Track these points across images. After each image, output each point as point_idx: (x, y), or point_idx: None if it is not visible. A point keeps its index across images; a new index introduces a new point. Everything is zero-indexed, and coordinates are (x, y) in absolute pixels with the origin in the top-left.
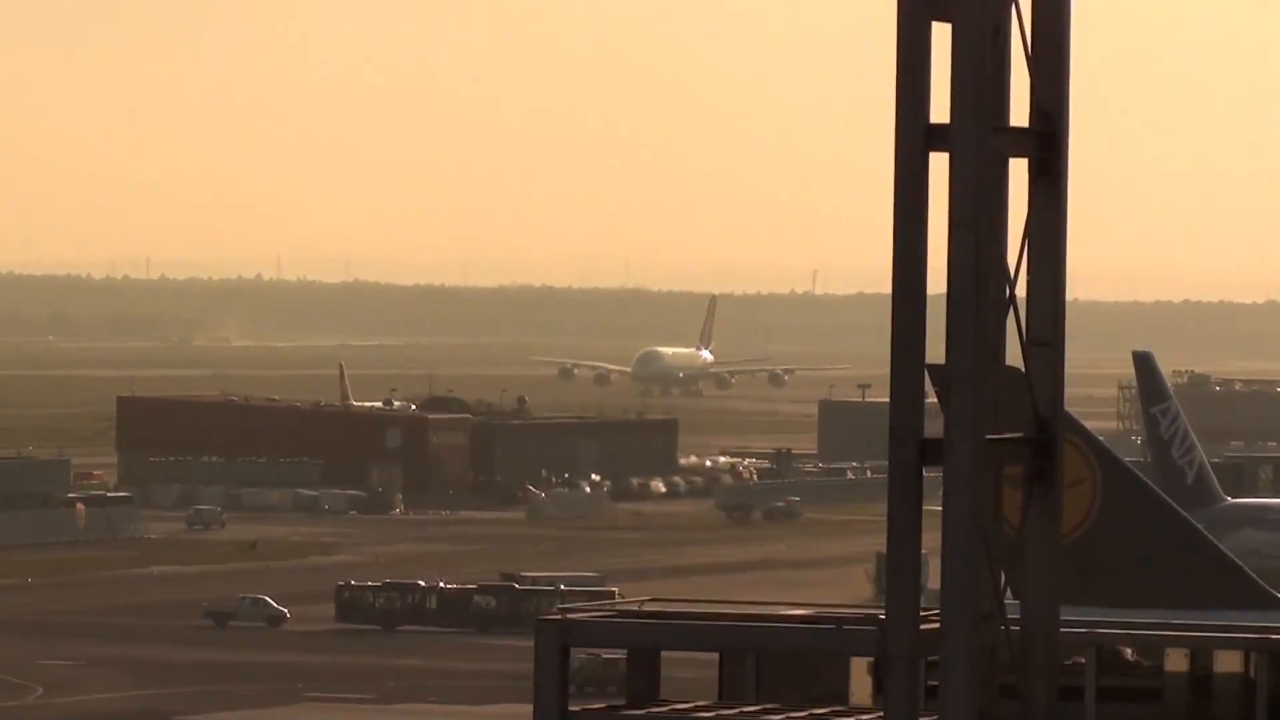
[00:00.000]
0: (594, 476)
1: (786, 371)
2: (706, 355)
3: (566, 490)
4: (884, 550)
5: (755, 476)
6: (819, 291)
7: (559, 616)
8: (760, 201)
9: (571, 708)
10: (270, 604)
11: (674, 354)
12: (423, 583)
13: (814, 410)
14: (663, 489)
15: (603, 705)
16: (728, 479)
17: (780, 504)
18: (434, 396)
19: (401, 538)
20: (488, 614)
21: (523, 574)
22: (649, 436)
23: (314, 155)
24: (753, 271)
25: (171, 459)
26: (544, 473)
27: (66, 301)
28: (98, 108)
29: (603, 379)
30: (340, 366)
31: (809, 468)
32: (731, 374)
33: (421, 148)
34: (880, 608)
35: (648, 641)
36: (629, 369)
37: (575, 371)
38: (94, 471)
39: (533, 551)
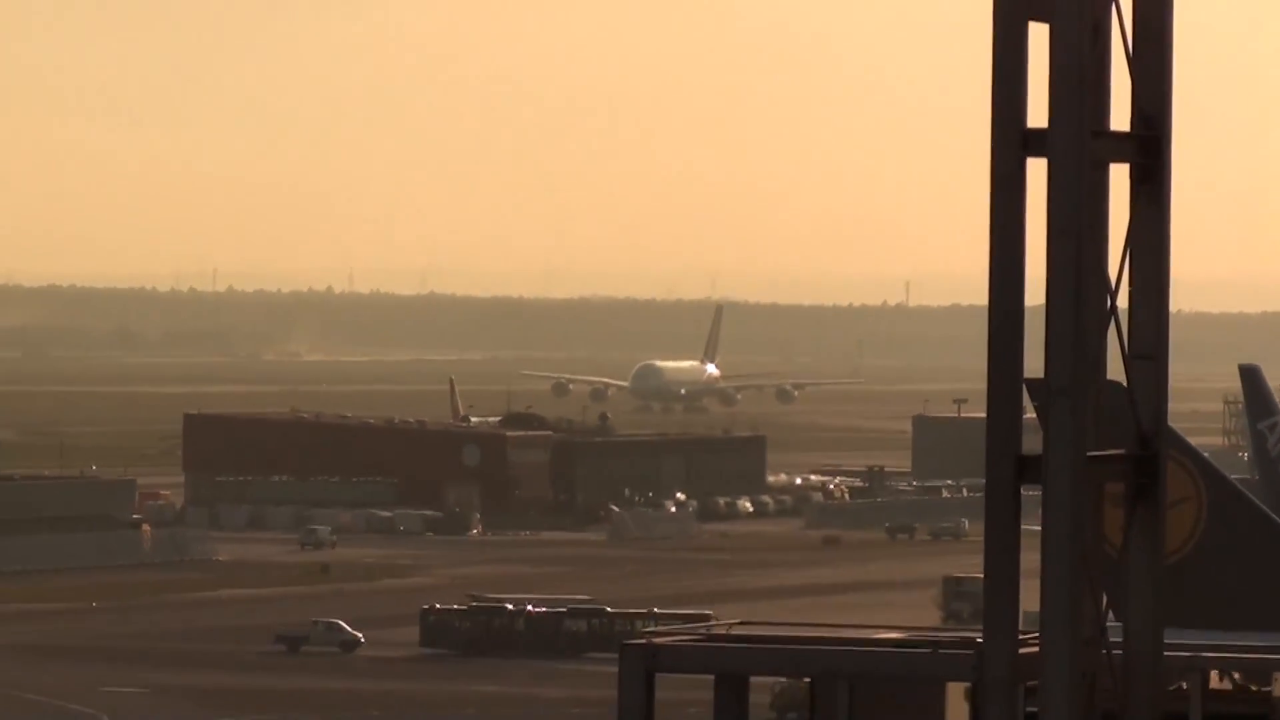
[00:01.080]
0: (679, 495)
1: (796, 386)
2: (711, 369)
3: (650, 510)
4: (949, 575)
5: (847, 495)
6: (912, 303)
7: (644, 641)
8: (852, 211)
9: None
10: (344, 628)
11: (675, 368)
12: (510, 606)
13: (908, 426)
14: (750, 508)
15: None
16: (818, 498)
17: (948, 524)
18: (513, 413)
19: (479, 560)
20: (578, 638)
21: (488, 595)
22: (736, 454)
23: (389, 164)
24: (845, 283)
25: (240, 478)
26: (627, 492)
27: (131, 315)
28: (164, 117)
29: (599, 394)
30: (451, 381)
31: (902, 486)
32: (737, 389)
33: (500, 157)
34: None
35: (736, 667)
36: (627, 384)
37: (570, 387)
38: (160, 491)
39: (616, 574)
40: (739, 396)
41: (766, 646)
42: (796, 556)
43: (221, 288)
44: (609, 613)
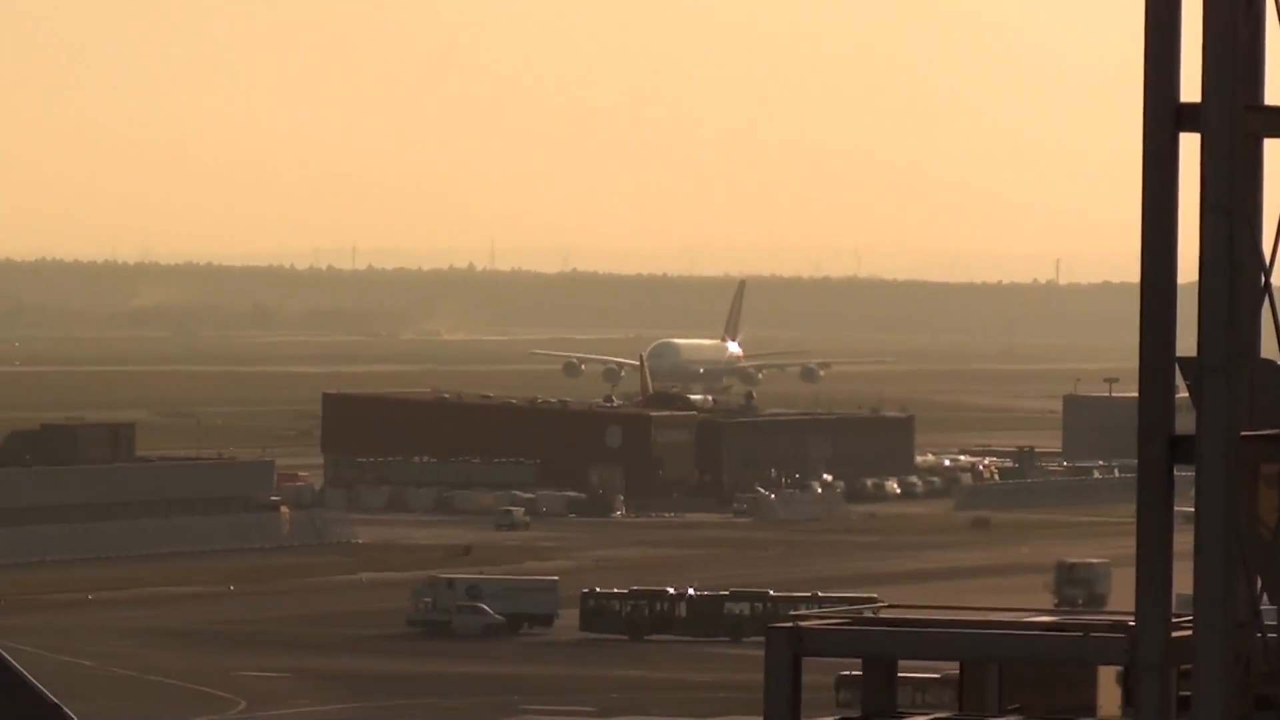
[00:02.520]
0: (826, 476)
1: (822, 365)
2: (734, 348)
3: (797, 491)
4: (1064, 560)
5: (996, 476)
6: (1063, 281)
7: (790, 625)
8: (1002, 189)
9: None
10: (487, 611)
11: (693, 346)
12: (671, 589)
13: (1058, 406)
14: (898, 490)
15: (836, 718)
16: (967, 479)
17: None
18: (657, 392)
19: (623, 541)
20: (740, 621)
21: (451, 577)
22: (884, 434)
23: (530, 141)
24: (994, 261)
25: (379, 459)
26: (773, 472)
27: (269, 294)
28: (302, 95)
29: (612, 375)
30: (640, 357)
31: (1052, 467)
32: (759, 369)
33: (643, 134)
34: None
35: (884, 651)
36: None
37: (583, 367)
38: (298, 473)
39: (761, 556)
40: (760, 376)
41: (914, 630)
42: (945, 538)
43: (361, 266)
44: (772, 596)
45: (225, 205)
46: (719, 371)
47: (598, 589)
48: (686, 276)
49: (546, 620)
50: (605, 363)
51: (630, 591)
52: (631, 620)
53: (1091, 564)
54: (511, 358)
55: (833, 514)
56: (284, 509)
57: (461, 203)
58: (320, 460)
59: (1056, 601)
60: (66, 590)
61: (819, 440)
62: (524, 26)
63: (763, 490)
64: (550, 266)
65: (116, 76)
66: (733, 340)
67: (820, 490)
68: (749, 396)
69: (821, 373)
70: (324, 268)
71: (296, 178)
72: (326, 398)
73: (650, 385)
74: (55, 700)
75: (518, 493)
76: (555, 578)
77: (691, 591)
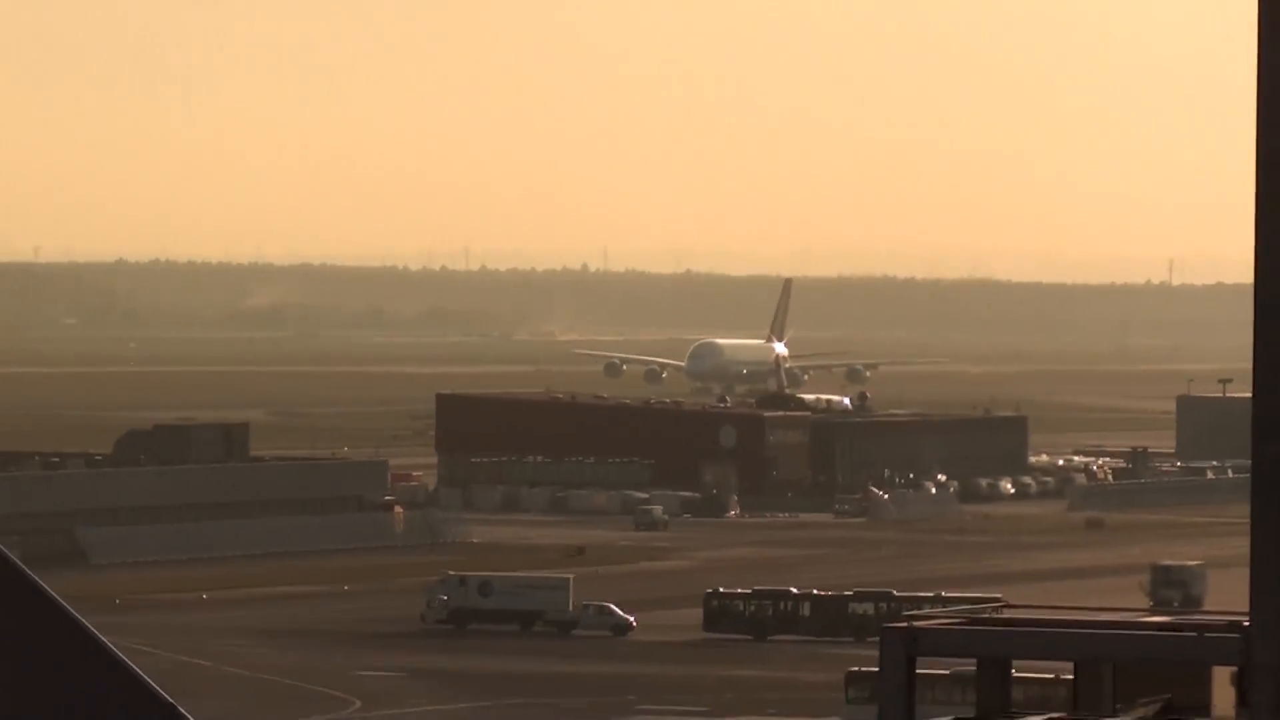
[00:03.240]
0: (940, 476)
1: (868, 366)
2: (780, 348)
3: (910, 491)
4: (1159, 562)
5: (1110, 476)
6: (1176, 282)
7: (905, 624)
8: (1115, 190)
9: None
10: (615, 612)
11: (736, 347)
12: (795, 589)
13: (1172, 406)
14: (1011, 490)
15: (950, 718)
16: (1081, 479)
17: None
18: (770, 393)
19: (737, 542)
20: (864, 621)
21: (460, 574)
22: (997, 434)
23: (645, 143)
24: (1108, 262)
25: (493, 459)
26: (887, 473)
27: (383, 295)
28: (417, 97)
29: (654, 375)
30: (776, 357)
31: (1166, 467)
32: (805, 370)
33: (755, 136)
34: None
35: (998, 650)
36: (683, 364)
37: (625, 367)
38: (412, 473)
39: (875, 556)
40: (805, 377)
41: (1028, 630)
42: (1058, 539)
43: (474, 267)
44: (896, 596)
45: (339, 206)
46: (763, 372)
47: (721, 589)
48: (800, 277)
49: (566, 626)
50: (647, 363)
51: (754, 591)
52: (755, 620)
53: (1187, 566)
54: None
55: (946, 514)
56: (398, 509)
57: (576, 203)
58: (434, 460)
59: (1152, 604)
60: (181, 590)
61: (933, 440)
62: (640, 29)
63: (876, 490)
64: (664, 267)
65: (231, 79)
66: (779, 340)
67: (934, 490)
68: (863, 397)
69: (868, 374)
70: (437, 268)
71: (410, 178)
72: (440, 398)
73: (785, 383)
74: (170, 700)
75: (631, 492)
76: (569, 576)
77: (815, 591)
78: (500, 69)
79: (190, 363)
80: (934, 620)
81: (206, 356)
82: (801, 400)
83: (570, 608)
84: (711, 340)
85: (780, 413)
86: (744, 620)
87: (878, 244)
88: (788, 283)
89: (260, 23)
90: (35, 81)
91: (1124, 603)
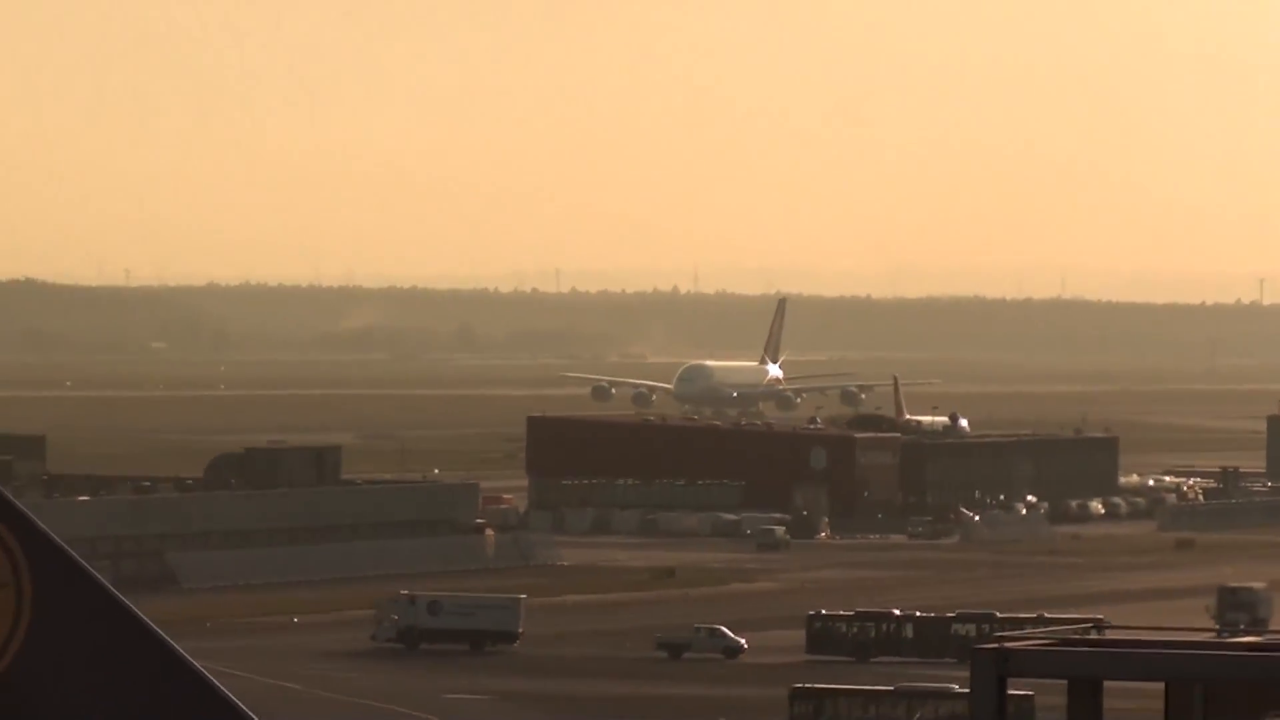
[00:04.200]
0: (1030, 498)
1: (863, 388)
2: (774, 370)
3: (1001, 512)
4: (1226, 584)
5: (1200, 496)
6: (1267, 301)
7: (995, 645)
8: (1205, 209)
9: None
10: (727, 635)
11: (727, 369)
12: (897, 611)
13: (1262, 426)
14: (1102, 510)
15: None
16: (1171, 499)
17: None
18: (861, 414)
19: (828, 563)
20: (966, 642)
21: (410, 593)
22: (1088, 455)
23: (735, 164)
24: (1197, 280)
25: (584, 482)
26: (977, 494)
27: (473, 316)
28: (508, 120)
29: (643, 398)
30: (895, 379)
31: (1257, 487)
32: (797, 392)
33: (848, 155)
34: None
35: (1089, 671)
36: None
37: (613, 390)
38: (503, 495)
39: (967, 577)
40: (799, 400)
41: (1120, 651)
42: (1149, 559)
43: (564, 288)
44: (997, 617)
45: (428, 228)
46: (754, 395)
47: (823, 611)
48: (890, 299)
49: (510, 638)
50: (636, 386)
51: (856, 613)
52: (858, 642)
53: (1253, 589)
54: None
55: (1036, 535)
56: (489, 531)
57: (666, 225)
58: (525, 483)
59: (1219, 626)
60: (272, 613)
61: (1022, 461)
62: (732, 49)
63: (967, 512)
64: (754, 289)
65: (323, 103)
66: (773, 362)
67: (1024, 511)
68: (953, 418)
69: (863, 395)
70: (528, 290)
71: (500, 200)
72: (531, 420)
73: (904, 408)
74: None
75: (723, 514)
76: (522, 596)
77: (918, 613)
78: (591, 92)
79: (281, 386)
80: (1025, 641)
81: (297, 379)
82: (892, 421)
83: (519, 627)
84: (701, 362)
85: (870, 434)
86: (846, 642)
87: (968, 264)
88: (781, 303)
89: (354, 49)
90: (127, 106)
91: (1212, 623)
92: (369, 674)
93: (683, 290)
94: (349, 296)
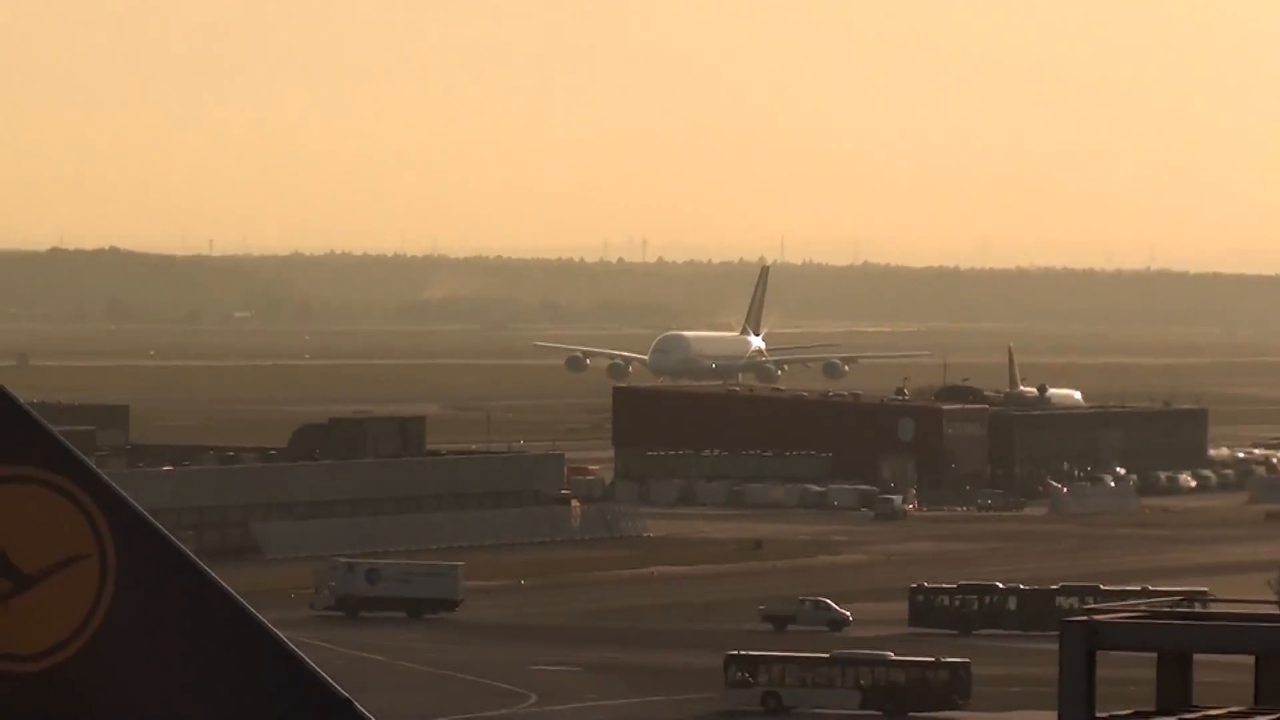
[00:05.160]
0: (1119, 469)
1: (847, 360)
2: (755, 341)
3: (1089, 484)
4: None
5: None
6: None
7: (1085, 618)
8: None
9: (1099, 715)
10: (832, 606)
11: (705, 339)
12: (1000, 584)
13: None
14: (1192, 483)
15: (1130, 712)
16: (1261, 471)
17: None
18: (948, 386)
19: (915, 535)
20: (1071, 615)
21: (349, 560)
22: (1176, 426)
23: (822, 133)
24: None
25: (670, 453)
26: (1065, 466)
27: (558, 287)
28: (594, 90)
29: (618, 370)
30: (1009, 350)
31: None
32: (779, 364)
33: (934, 125)
34: None
35: (1179, 644)
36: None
37: (588, 361)
38: (589, 466)
39: (1054, 549)
40: (780, 373)
41: (1209, 624)
42: (1239, 532)
43: (651, 259)
44: (1102, 590)
45: (514, 198)
46: (734, 367)
47: (925, 583)
48: (978, 269)
49: (449, 605)
50: (611, 357)
51: (958, 586)
52: (961, 615)
53: None
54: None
55: (1125, 508)
56: (575, 503)
57: (752, 195)
58: (611, 454)
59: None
60: None
61: (1111, 433)
62: (816, 21)
63: (1055, 483)
64: (841, 259)
65: (408, 74)
66: (754, 333)
67: (1113, 484)
68: (1041, 389)
69: (846, 368)
70: (614, 260)
71: (587, 170)
72: (617, 391)
73: (1018, 378)
74: (346, 695)
75: (810, 486)
76: (459, 563)
77: (1021, 586)
78: (676, 63)
79: (365, 356)
80: (1114, 614)
81: (381, 350)
82: (981, 393)
83: (459, 594)
84: (678, 332)
85: (958, 406)
86: (950, 615)
87: (1056, 236)
88: (764, 270)
89: (436, 21)
90: (211, 74)
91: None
92: (453, 645)
93: (769, 260)
94: (433, 266)
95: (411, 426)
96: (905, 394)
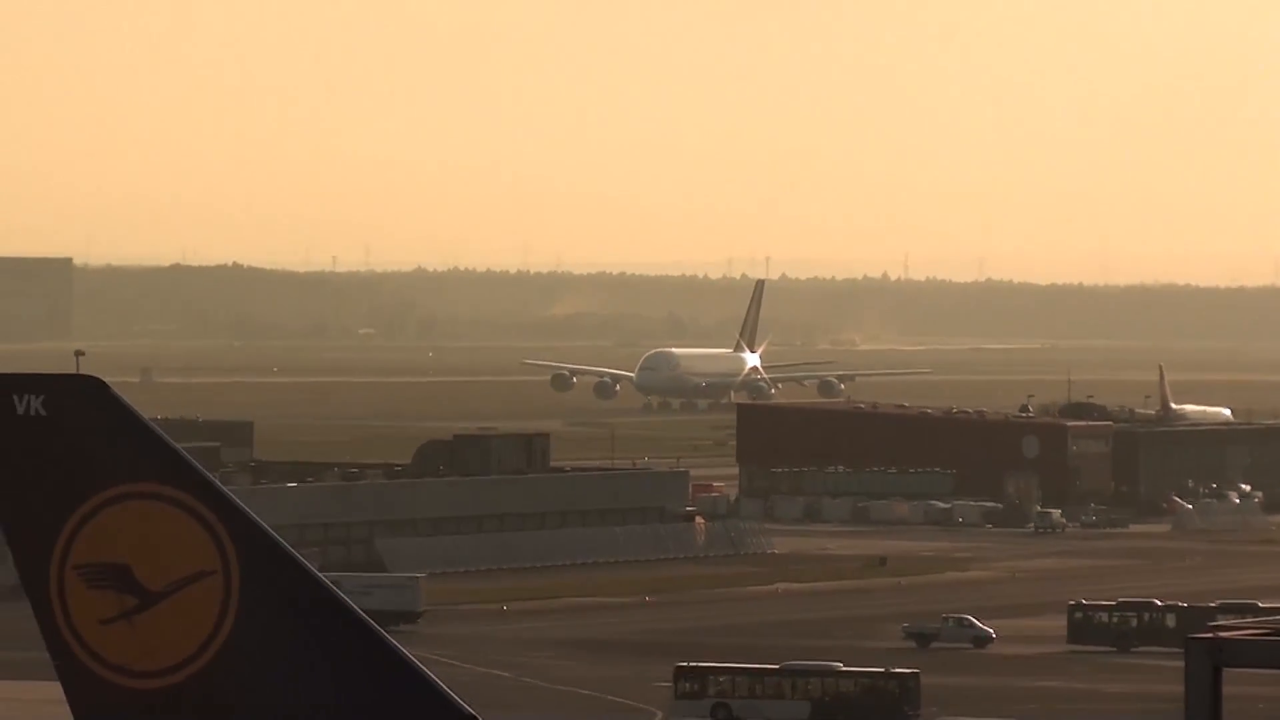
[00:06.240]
0: (1243, 486)
1: (843, 378)
2: (751, 359)
3: (1214, 501)
4: None
5: None
6: None
7: (1210, 635)
8: None
9: None
10: (976, 624)
11: (694, 356)
12: (1158, 601)
13: None
14: None
15: None
16: None
17: None
18: (1073, 403)
19: (1040, 552)
20: None
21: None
22: None
23: (946, 151)
24: None
25: (795, 470)
26: (1190, 483)
27: (682, 303)
28: (718, 107)
29: (605, 388)
30: (1160, 369)
31: None
32: (774, 382)
33: (1056, 141)
34: None
35: None
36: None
37: (574, 379)
38: (714, 483)
39: (1179, 566)
40: (774, 391)
41: None
42: None
43: (774, 275)
44: (1261, 608)
45: (638, 214)
46: (726, 385)
47: (1083, 600)
48: (1101, 285)
49: (410, 618)
50: (599, 375)
51: (1117, 603)
52: (1119, 632)
53: None
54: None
55: (1251, 524)
56: (699, 519)
57: (875, 212)
58: (735, 470)
59: None
60: (481, 601)
61: (1237, 449)
62: (944, 39)
63: (1179, 500)
64: (965, 276)
65: (531, 91)
66: (750, 349)
67: (1238, 500)
68: (1165, 407)
69: (842, 385)
70: (737, 277)
71: (710, 187)
72: (741, 407)
73: (1169, 396)
74: (471, 711)
75: (935, 502)
76: (420, 575)
77: (1179, 603)
78: (803, 80)
79: (490, 372)
80: (1241, 630)
81: (506, 366)
82: (1105, 409)
83: (420, 606)
84: (666, 349)
85: (1082, 422)
86: (1108, 631)
87: (1179, 251)
88: (759, 285)
89: (562, 40)
90: (333, 94)
91: None
92: (578, 662)
93: (893, 277)
94: (557, 283)
95: (536, 443)
96: (1030, 410)
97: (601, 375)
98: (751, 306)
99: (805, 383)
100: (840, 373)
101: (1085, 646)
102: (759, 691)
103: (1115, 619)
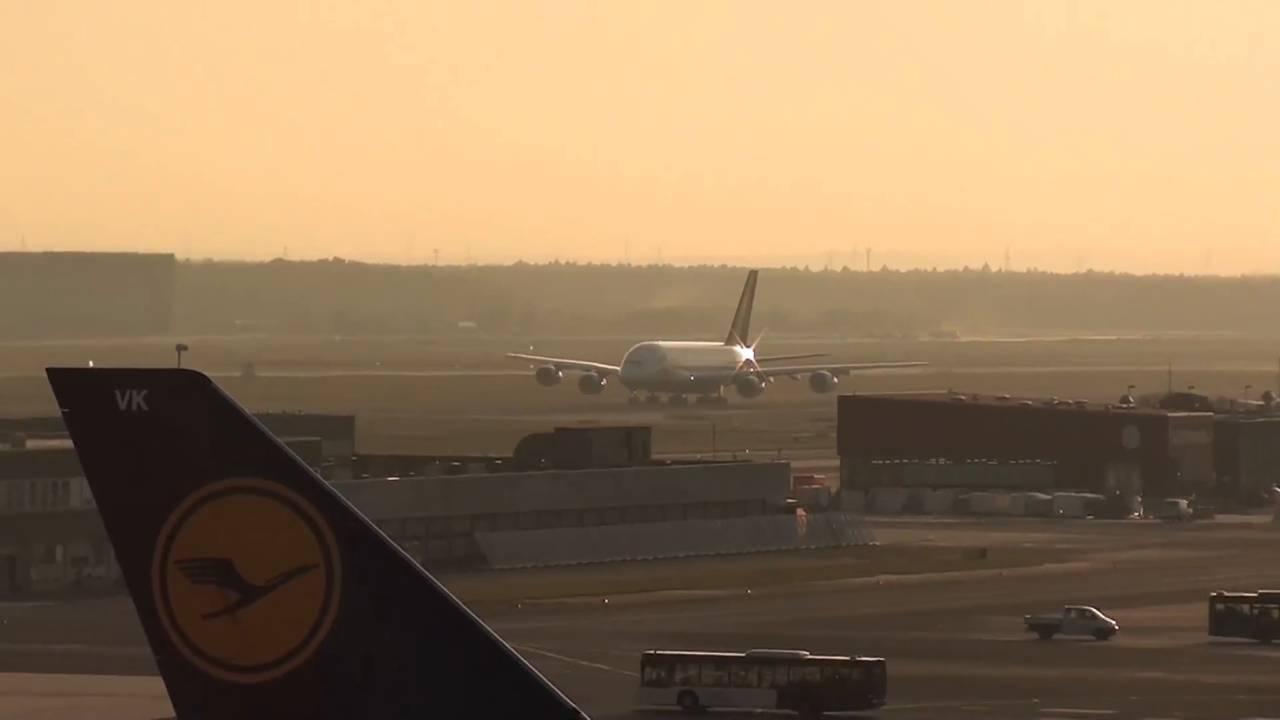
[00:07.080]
0: None
1: (837, 372)
2: (744, 352)
3: None
4: None
5: None
6: None
7: None
8: None
9: None
10: (1098, 616)
11: (682, 350)
12: None
13: None
14: None
15: None
16: None
17: None
18: (1174, 393)
19: (1141, 543)
20: None
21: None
22: None
23: (1046, 142)
24: None
25: (895, 461)
26: None
27: (783, 296)
28: (815, 99)
29: (591, 383)
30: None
31: None
32: (764, 376)
33: (1159, 134)
34: None
35: None
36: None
37: (560, 374)
38: (815, 475)
39: (1277, 556)
40: (764, 385)
41: None
42: None
43: (875, 268)
44: None
45: (737, 207)
46: (715, 379)
47: (1225, 593)
48: (1203, 277)
49: None
50: (586, 369)
51: (1259, 595)
52: (1261, 624)
53: None
54: (1030, 359)
55: None
56: (801, 512)
57: (977, 204)
58: (836, 462)
59: None
60: (583, 594)
61: None
62: (1037, 31)
63: (1279, 491)
64: (1065, 268)
65: (629, 82)
66: (743, 343)
67: None
68: (1267, 397)
69: (835, 380)
70: (838, 269)
71: (810, 179)
72: (843, 399)
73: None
74: (574, 705)
75: (1036, 494)
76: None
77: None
78: (901, 71)
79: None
80: None
81: (608, 359)
82: (1206, 400)
83: None
84: (652, 343)
85: (1183, 413)
86: (1250, 623)
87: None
88: (752, 275)
89: (656, 31)
90: (433, 90)
91: None
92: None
93: (994, 269)
94: (657, 275)
95: (637, 436)
96: (1130, 401)
97: (587, 369)
98: (744, 298)
99: (798, 376)
100: (833, 366)
101: (1228, 638)
102: (725, 680)
103: (1256, 611)
